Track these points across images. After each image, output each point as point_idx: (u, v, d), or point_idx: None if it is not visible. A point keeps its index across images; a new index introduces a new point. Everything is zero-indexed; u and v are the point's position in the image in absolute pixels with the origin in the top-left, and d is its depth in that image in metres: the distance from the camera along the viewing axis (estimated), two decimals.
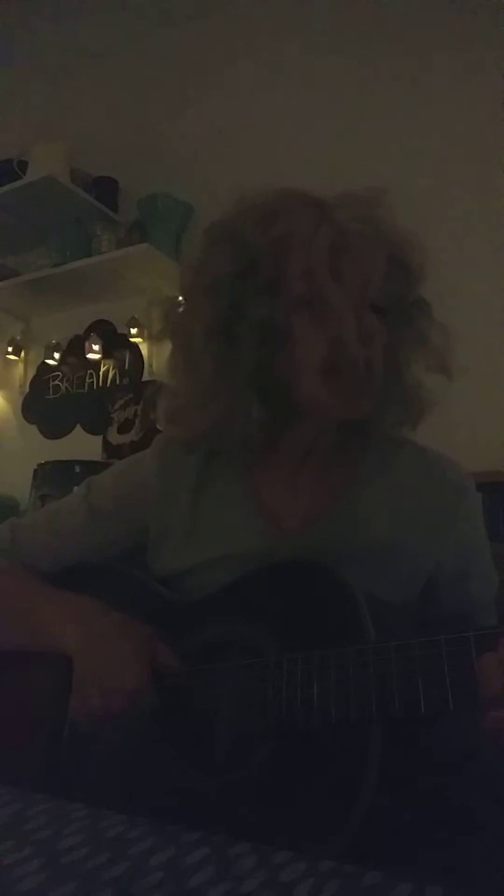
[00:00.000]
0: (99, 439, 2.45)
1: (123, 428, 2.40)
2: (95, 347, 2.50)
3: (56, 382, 2.64)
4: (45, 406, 2.65)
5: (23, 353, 2.72)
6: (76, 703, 0.72)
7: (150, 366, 2.44)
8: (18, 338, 2.72)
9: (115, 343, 2.52)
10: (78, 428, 2.54)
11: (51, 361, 2.62)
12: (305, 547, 0.78)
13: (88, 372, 2.57)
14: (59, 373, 2.64)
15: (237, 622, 0.74)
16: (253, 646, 0.70)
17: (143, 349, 2.47)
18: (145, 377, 2.43)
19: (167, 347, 0.85)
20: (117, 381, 2.50)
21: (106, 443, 2.43)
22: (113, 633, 0.75)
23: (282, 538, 0.80)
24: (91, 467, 2.04)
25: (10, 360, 2.71)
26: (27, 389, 2.71)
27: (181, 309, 0.83)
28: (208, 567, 0.81)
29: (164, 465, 0.88)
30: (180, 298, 0.84)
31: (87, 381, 2.57)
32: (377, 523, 0.80)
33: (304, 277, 0.73)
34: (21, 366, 2.73)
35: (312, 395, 0.76)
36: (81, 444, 2.47)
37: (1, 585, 0.88)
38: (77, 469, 2.08)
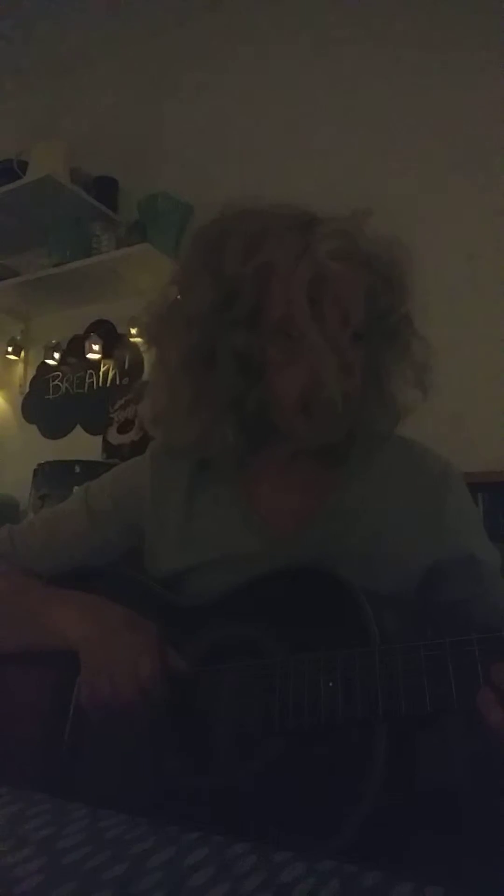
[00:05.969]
0: (99, 439, 2.45)
1: (123, 428, 2.40)
2: (95, 347, 2.49)
3: (56, 382, 2.63)
4: (45, 406, 2.64)
5: (23, 353, 2.71)
6: (87, 691, 0.71)
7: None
8: (18, 338, 2.71)
9: (115, 343, 2.51)
10: (78, 428, 2.54)
11: (51, 361, 2.62)
12: (299, 546, 0.78)
13: (88, 372, 2.56)
14: (59, 373, 2.63)
15: (240, 626, 0.74)
16: (257, 649, 0.71)
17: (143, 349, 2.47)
18: (145, 377, 2.43)
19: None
20: (117, 381, 2.49)
21: (106, 443, 2.43)
22: (121, 625, 0.75)
23: (275, 538, 0.81)
24: (91, 467, 2.04)
25: (10, 360, 2.71)
26: (27, 389, 2.70)
27: (163, 323, 0.83)
28: (204, 569, 0.82)
29: (157, 468, 0.90)
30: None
31: (87, 381, 2.56)
32: (366, 517, 0.80)
33: (283, 312, 0.72)
34: (21, 366, 2.73)
35: (289, 424, 0.78)
36: (81, 444, 2.47)
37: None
38: (77, 469, 2.08)
